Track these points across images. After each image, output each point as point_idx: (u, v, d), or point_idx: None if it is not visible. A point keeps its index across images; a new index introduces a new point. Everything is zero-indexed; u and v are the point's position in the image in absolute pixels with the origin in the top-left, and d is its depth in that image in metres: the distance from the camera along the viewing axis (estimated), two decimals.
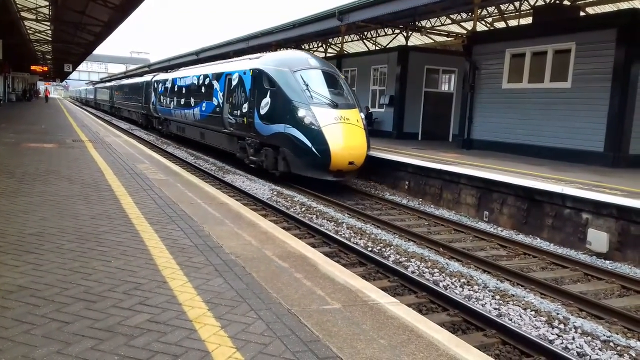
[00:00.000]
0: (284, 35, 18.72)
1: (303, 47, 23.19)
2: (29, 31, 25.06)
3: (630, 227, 6.50)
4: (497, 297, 4.90)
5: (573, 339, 4.13)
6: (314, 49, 24.03)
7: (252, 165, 11.75)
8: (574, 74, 10.99)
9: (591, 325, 4.39)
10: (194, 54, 28.22)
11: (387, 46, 20.45)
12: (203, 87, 14.98)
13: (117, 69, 77.87)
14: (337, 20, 15.00)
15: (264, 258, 3.78)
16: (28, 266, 3.28)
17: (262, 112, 10.80)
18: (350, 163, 9.68)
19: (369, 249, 6.40)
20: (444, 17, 17.57)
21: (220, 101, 13.38)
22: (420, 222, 8.37)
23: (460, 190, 9.27)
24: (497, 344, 4.03)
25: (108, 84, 44.94)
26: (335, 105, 9.96)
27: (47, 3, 18.49)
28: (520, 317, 4.50)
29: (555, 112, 11.34)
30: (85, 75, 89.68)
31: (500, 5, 15.78)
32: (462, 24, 18.28)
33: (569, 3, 14.21)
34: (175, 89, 18.13)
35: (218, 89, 13.65)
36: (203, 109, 14.82)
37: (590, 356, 3.90)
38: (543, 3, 14.36)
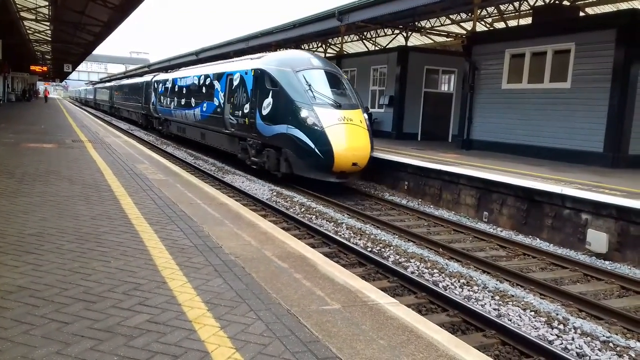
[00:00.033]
0: (283, 35, 18.73)
1: (303, 47, 23.18)
2: (28, 31, 25.06)
3: (629, 228, 6.51)
4: (497, 297, 4.91)
5: (572, 339, 4.13)
6: (314, 49, 24.02)
7: (254, 167, 11.66)
8: (574, 74, 11.00)
9: (591, 325, 4.39)
10: (193, 54, 28.23)
11: (387, 46, 20.45)
12: (204, 87, 14.90)
13: (117, 69, 77.83)
14: (337, 21, 15.00)
15: (263, 258, 3.78)
16: (28, 266, 3.27)
17: (264, 112, 10.70)
18: (354, 164, 9.58)
19: (369, 249, 6.40)
20: (444, 18, 17.58)
21: (222, 101, 13.29)
22: (420, 223, 8.37)
23: (460, 191, 9.27)
24: (496, 345, 4.03)
25: (108, 84, 44.93)
26: (338, 106, 9.87)
27: (47, 3, 18.50)
28: (520, 317, 4.50)
29: (555, 112, 11.35)
30: (85, 75, 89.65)
31: (500, 6, 15.79)
32: (462, 24, 18.29)
33: (568, 3, 14.22)
34: (176, 89, 18.04)
35: (219, 89, 13.56)
36: (204, 109, 14.73)
37: (589, 357, 3.90)
38: (542, 3, 14.37)
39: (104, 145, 11.71)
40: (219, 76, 13.78)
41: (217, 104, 13.69)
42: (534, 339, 3.92)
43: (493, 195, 8.53)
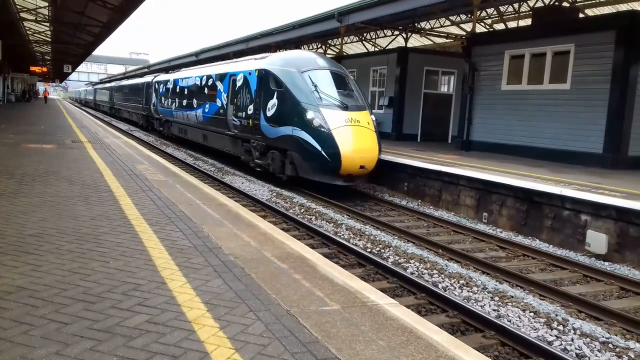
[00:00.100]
0: (283, 36, 18.75)
1: (302, 48, 23.20)
2: (28, 32, 25.08)
3: (629, 229, 6.51)
4: (496, 298, 4.91)
5: (572, 340, 4.13)
6: (314, 50, 24.04)
7: (258, 169, 11.46)
8: (573, 75, 11.01)
9: (590, 326, 4.39)
10: (193, 55, 28.26)
11: (387, 48, 20.48)
12: (206, 88, 14.73)
13: (117, 69, 77.85)
14: (337, 22, 15.02)
15: (263, 259, 3.78)
16: (27, 267, 3.27)
17: (269, 114, 10.49)
18: (361, 167, 9.35)
19: (368, 250, 6.40)
20: (444, 19, 17.61)
21: (224, 102, 13.13)
22: (420, 224, 8.37)
23: (460, 192, 9.27)
24: (496, 345, 4.03)
25: (108, 84, 44.89)
26: (345, 107, 9.66)
27: (47, 4, 18.51)
28: (519, 318, 4.50)
29: (555, 113, 11.36)
30: (85, 76, 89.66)
31: (500, 7, 15.82)
32: (462, 25, 18.33)
33: (568, 5, 14.25)
34: (177, 90, 17.88)
35: (222, 90, 13.39)
36: (206, 110, 14.57)
37: (589, 357, 3.90)
38: (542, 4, 14.40)
39: (104, 145, 11.71)
40: (221, 77, 13.61)
41: (219, 105, 13.53)
42: (533, 340, 3.92)
43: (493, 196, 8.54)
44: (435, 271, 5.63)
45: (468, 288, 5.16)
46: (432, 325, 2.88)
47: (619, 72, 10.12)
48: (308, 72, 10.08)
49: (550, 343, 4.07)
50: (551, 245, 7.35)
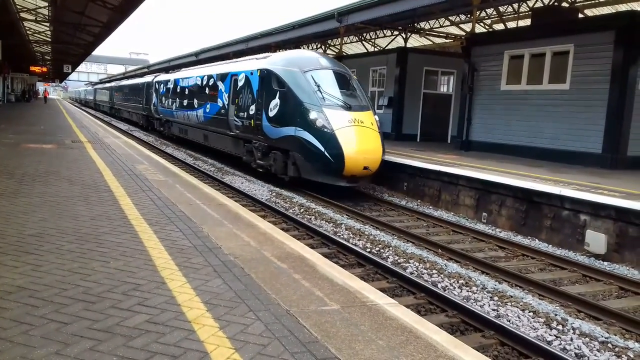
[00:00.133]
0: (283, 36, 18.76)
1: (302, 48, 23.20)
2: (28, 32, 25.08)
3: (628, 229, 6.52)
4: (496, 298, 4.91)
5: (571, 340, 4.14)
6: (313, 50, 24.05)
7: (260, 170, 11.38)
8: (573, 75, 11.03)
9: (589, 326, 4.40)
10: (193, 55, 28.26)
11: (386, 48, 20.49)
12: (207, 88, 14.63)
13: (116, 69, 77.82)
14: (336, 22, 15.03)
15: (262, 259, 3.78)
16: (27, 267, 3.28)
17: (271, 114, 10.39)
18: (365, 168, 9.25)
19: (368, 250, 6.41)
20: (443, 19, 17.62)
21: (226, 103, 13.03)
22: (419, 224, 8.38)
23: (459, 192, 9.28)
24: (495, 345, 4.03)
25: (108, 84, 44.86)
26: (348, 107, 9.58)
27: (47, 4, 18.51)
28: (519, 318, 4.51)
29: (554, 113, 11.37)
30: (85, 76, 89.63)
31: (499, 7, 15.84)
32: (461, 25, 18.34)
33: (567, 5, 14.26)
34: (178, 90, 17.79)
35: (223, 90, 13.29)
36: (207, 110, 14.47)
37: (588, 357, 3.91)
38: (542, 5, 14.41)
39: (104, 145, 11.71)
40: (223, 77, 13.51)
41: (220, 105, 13.43)
42: (532, 340, 3.93)
43: (492, 196, 8.55)
44: (434, 271, 5.63)
45: (467, 288, 5.17)
46: (432, 325, 2.88)
47: (618, 72, 10.13)
48: (311, 71, 9.99)
49: (549, 343, 4.07)
50: (550, 245, 7.36)
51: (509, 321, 4.44)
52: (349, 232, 7.23)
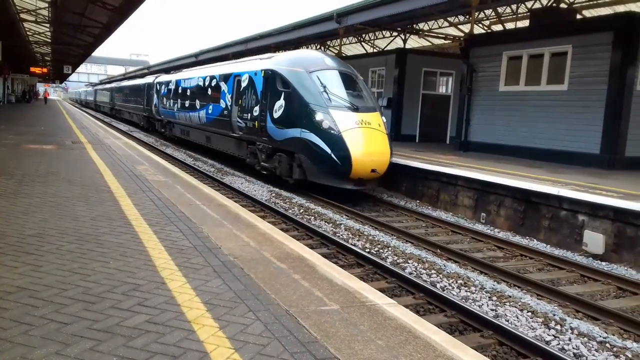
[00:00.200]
0: (283, 37, 18.80)
1: (302, 49, 23.24)
2: (28, 33, 25.08)
3: (626, 229, 6.54)
4: (494, 298, 4.93)
5: (569, 340, 4.15)
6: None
7: (264, 172, 11.15)
8: (571, 76, 11.05)
9: (587, 326, 4.41)
10: (193, 56, 28.31)
11: (385, 49, 20.53)
12: (209, 89, 14.48)
13: (117, 70, 77.81)
14: (336, 23, 15.06)
15: (262, 259, 3.80)
16: (27, 267, 3.29)
17: (276, 115, 10.21)
18: (373, 171, 9.05)
19: (367, 250, 6.42)
20: (442, 20, 17.67)
21: (229, 104, 12.88)
22: (418, 224, 8.40)
23: (458, 192, 9.30)
24: (494, 345, 4.05)
25: (108, 85, 44.83)
26: (355, 109, 9.39)
27: (47, 5, 18.52)
28: (517, 318, 4.52)
29: (552, 114, 11.40)
30: (85, 77, 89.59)
31: (498, 8, 15.88)
32: (460, 26, 18.39)
33: (565, 6, 14.31)
34: (179, 91, 17.62)
35: (226, 91, 13.13)
36: (209, 111, 14.30)
37: (586, 357, 3.93)
38: (540, 6, 14.45)
39: (104, 146, 11.72)
40: (225, 77, 13.35)
41: (223, 107, 13.26)
42: (531, 340, 3.95)
43: (490, 196, 8.57)
44: (433, 271, 5.65)
45: (466, 288, 5.18)
46: (431, 324, 2.90)
47: (616, 73, 10.16)
48: (316, 72, 9.79)
49: (547, 342, 4.09)
50: (549, 246, 7.37)
51: (508, 321, 4.45)
52: (348, 233, 7.25)
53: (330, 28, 15.92)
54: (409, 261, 5.98)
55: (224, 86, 13.37)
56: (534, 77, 11.92)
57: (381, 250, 6.43)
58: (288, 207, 8.90)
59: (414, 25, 17.68)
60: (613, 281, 5.73)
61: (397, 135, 16.76)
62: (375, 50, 21.90)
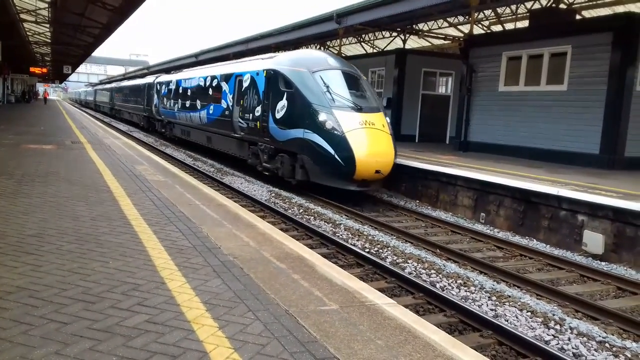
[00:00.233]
0: (282, 37, 18.81)
1: (302, 49, 23.25)
2: (28, 33, 25.09)
3: (625, 229, 6.55)
4: (494, 298, 4.93)
5: (569, 339, 4.16)
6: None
7: (266, 173, 11.06)
8: (570, 76, 11.06)
9: (587, 326, 4.42)
10: (193, 56, 28.32)
11: (385, 49, 20.55)
12: (210, 89, 14.41)
13: (116, 71, 77.84)
14: (335, 23, 15.07)
15: (262, 259, 3.80)
16: (27, 267, 3.29)
17: (278, 115, 10.13)
18: (377, 172, 8.97)
19: (367, 250, 6.43)
20: (442, 21, 17.68)
21: (230, 104, 12.80)
22: (418, 224, 8.40)
23: (457, 192, 9.31)
24: (493, 345, 4.05)
25: (108, 85, 44.80)
26: (359, 109, 9.33)
27: (47, 5, 18.52)
28: (517, 318, 4.53)
29: (552, 114, 11.41)
30: (85, 77, 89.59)
31: (497, 9, 15.89)
32: (459, 27, 18.40)
33: (565, 6, 14.32)
34: (180, 91, 17.54)
35: (227, 91, 13.06)
36: (210, 112, 14.23)
37: (586, 357, 3.93)
38: (539, 6, 14.46)
39: (104, 146, 11.72)
40: (227, 77, 13.28)
41: (225, 107, 13.18)
42: (530, 339, 3.95)
43: (490, 196, 8.57)
44: (433, 271, 5.65)
45: (466, 288, 5.19)
46: (430, 324, 2.90)
47: (616, 73, 10.17)
48: (319, 72, 9.70)
49: (547, 342, 4.09)
50: (548, 245, 7.38)
51: (507, 321, 4.46)
52: (347, 233, 7.25)
53: (330, 28, 15.93)
54: (409, 261, 5.99)
55: (225, 86, 13.30)
56: (533, 77, 11.93)
57: (381, 250, 6.43)
58: (287, 207, 8.90)
59: (414, 26, 17.70)
60: (612, 281, 5.74)
61: (396, 136, 16.59)
62: (374, 51, 21.91)
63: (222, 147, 14.08)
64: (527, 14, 14.80)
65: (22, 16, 19.51)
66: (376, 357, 2.39)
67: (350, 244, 6.52)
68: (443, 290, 5.07)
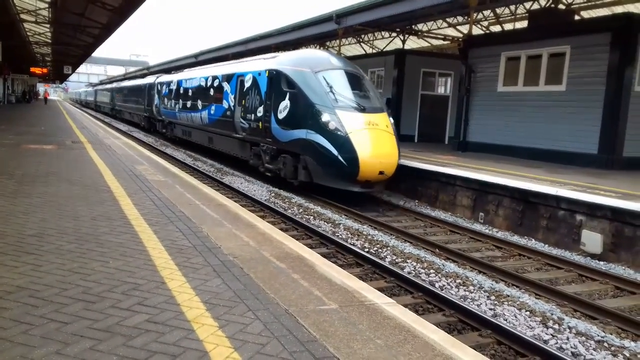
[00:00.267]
0: (282, 38, 18.83)
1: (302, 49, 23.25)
2: (28, 33, 25.09)
3: (624, 229, 6.57)
4: (493, 297, 4.95)
5: (567, 339, 4.17)
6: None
7: (268, 174, 10.98)
8: (569, 77, 11.08)
9: (585, 325, 4.43)
10: (193, 57, 28.34)
11: (384, 49, 20.57)
12: (212, 89, 14.33)
13: (116, 71, 77.82)
14: (335, 24, 15.09)
15: (261, 259, 3.81)
16: (27, 267, 3.30)
17: (280, 116, 10.05)
18: (381, 173, 8.89)
19: (366, 250, 6.44)
20: (441, 21, 17.71)
21: (232, 104, 12.73)
22: (417, 224, 8.42)
23: (456, 192, 9.32)
24: (492, 344, 4.07)
25: (109, 86, 44.75)
26: (362, 109, 9.24)
27: (47, 5, 18.53)
28: (515, 317, 4.54)
29: (550, 114, 11.43)
30: (85, 77, 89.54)
31: (496, 9, 15.91)
32: (459, 27, 18.43)
33: (563, 7, 14.34)
34: (181, 91, 17.47)
35: (229, 91, 12.99)
36: (212, 112, 14.17)
37: (584, 356, 3.94)
38: (538, 7, 14.48)
39: (104, 146, 11.72)
40: (228, 77, 13.20)
41: (226, 107, 13.11)
42: (529, 339, 3.96)
43: (489, 196, 8.59)
44: (432, 271, 5.67)
45: (465, 287, 5.20)
46: (429, 324, 2.91)
47: (614, 73, 10.19)
48: (322, 72, 9.62)
49: (546, 342, 4.11)
50: (547, 245, 7.40)
51: (506, 320, 4.47)
52: (347, 232, 7.26)
53: (329, 29, 15.95)
54: (408, 261, 6.00)
55: (226, 86, 13.23)
56: (532, 77, 11.95)
57: (380, 250, 6.44)
58: (287, 206, 8.91)
59: (413, 26, 17.72)
60: (611, 280, 5.75)
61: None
62: (374, 51, 21.92)
63: (223, 148, 14.00)
64: (526, 15, 14.82)
65: (22, 16, 19.51)
66: (375, 356, 2.40)
67: (350, 244, 6.53)
68: (442, 290, 5.08)
